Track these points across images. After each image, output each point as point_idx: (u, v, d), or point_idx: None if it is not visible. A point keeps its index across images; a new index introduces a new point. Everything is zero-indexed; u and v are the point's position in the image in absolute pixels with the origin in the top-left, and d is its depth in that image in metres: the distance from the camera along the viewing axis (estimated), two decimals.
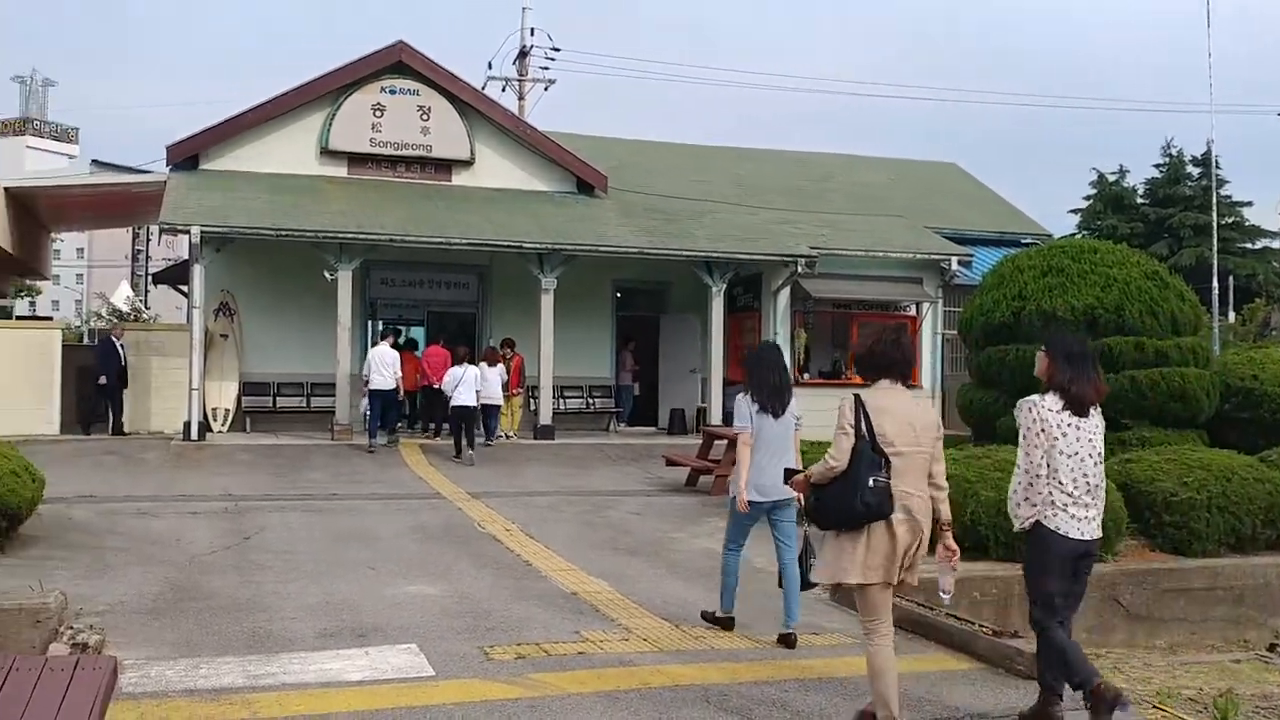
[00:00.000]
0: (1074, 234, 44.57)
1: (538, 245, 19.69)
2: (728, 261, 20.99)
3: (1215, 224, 30.39)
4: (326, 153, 21.41)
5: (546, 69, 34.08)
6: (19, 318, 34.44)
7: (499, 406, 19.30)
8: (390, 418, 18.63)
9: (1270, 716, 7.35)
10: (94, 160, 23.09)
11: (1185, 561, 10.72)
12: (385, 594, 8.66)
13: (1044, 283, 14.86)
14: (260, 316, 20.44)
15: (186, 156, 20.69)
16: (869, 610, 5.67)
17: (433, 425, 19.93)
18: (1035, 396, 6.02)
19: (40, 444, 16.23)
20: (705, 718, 6.01)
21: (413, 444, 18.70)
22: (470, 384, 17.58)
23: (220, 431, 19.34)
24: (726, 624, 7.80)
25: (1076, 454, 5.89)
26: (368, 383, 18.06)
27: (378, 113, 21.48)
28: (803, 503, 6.10)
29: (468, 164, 22.13)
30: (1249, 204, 47.05)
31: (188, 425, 18.21)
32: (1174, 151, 48.40)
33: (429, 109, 21.69)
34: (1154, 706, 6.88)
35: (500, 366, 19.16)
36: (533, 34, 33.89)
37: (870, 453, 5.56)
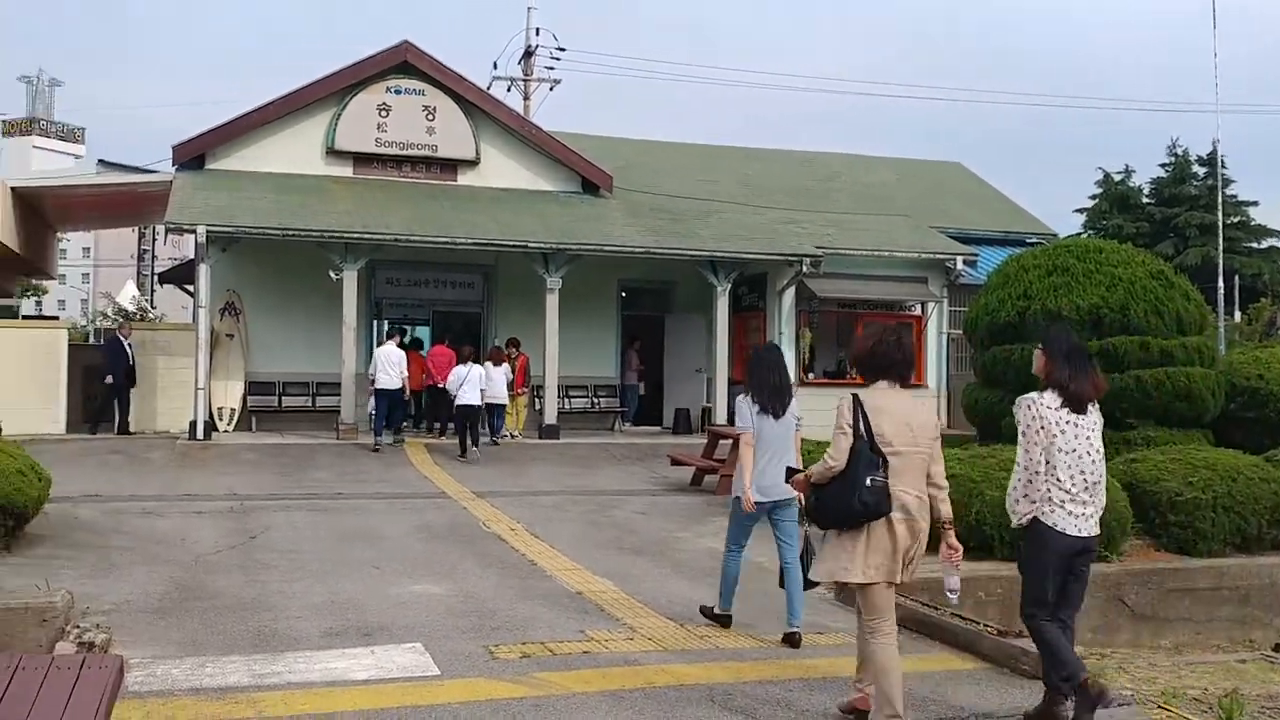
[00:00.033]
0: (1079, 233, 44.51)
1: (543, 245, 19.71)
2: (733, 261, 20.99)
3: (1221, 223, 30.27)
4: (332, 152, 21.45)
5: (552, 69, 34.10)
6: (25, 317, 34.49)
7: (504, 406, 19.35)
8: (396, 417, 18.66)
9: (1275, 717, 7.33)
10: (100, 160, 23.13)
11: (1190, 561, 10.71)
12: (390, 593, 8.67)
13: (1049, 282, 14.85)
14: (266, 316, 20.47)
15: (193, 156, 20.75)
16: (872, 609, 5.69)
17: (438, 425, 19.97)
18: (1034, 394, 6.03)
19: (46, 443, 16.26)
20: (710, 717, 6.01)
21: (418, 443, 18.72)
22: (474, 383, 17.61)
23: (226, 431, 19.37)
24: (724, 621, 7.84)
25: (1075, 451, 5.90)
26: (373, 382, 18.08)
27: (383, 113, 21.51)
28: (803, 502, 6.13)
29: (473, 164, 22.16)
30: (1255, 203, 46.97)
31: (193, 424, 18.24)
32: (1180, 151, 48.32)
33: (434, 109, 21.71)
34: (1159, 706, 6.87)
35: (505, 366, 19.20)
36: (538, 34, 33.93)
37: (868, 452, 5.59)
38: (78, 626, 6.90)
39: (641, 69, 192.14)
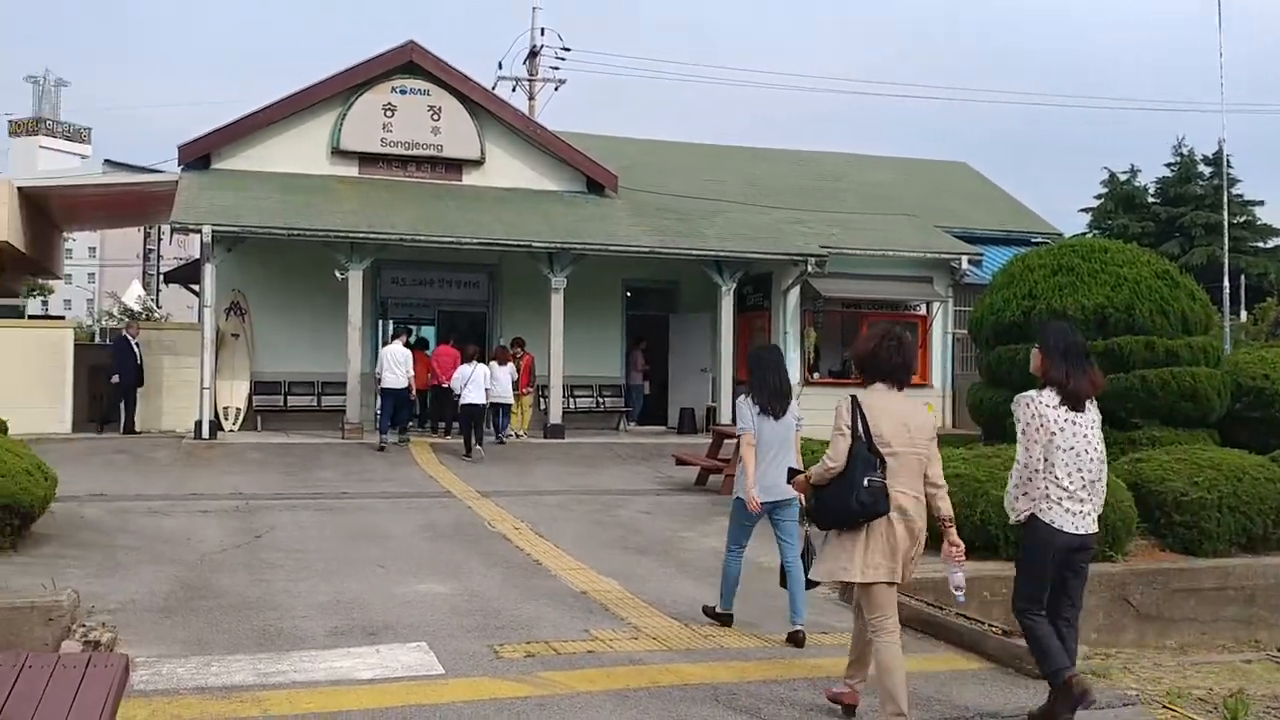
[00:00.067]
0: (1085, 233, 44.48)
1: (548, 245, 19.72)
2: (738, 261, 20.99)
3: (1226, 223, 30.28)
4: (337, 152, 21.47)
5: (557, 69, 34.15)
6: (32, 317, 34.55)
7: (509, 405, 19.36)
8: (401, 416, 18.67)
9: None
10: (106, 160, 23.14)
11: (1196, 561, 10.70)
12: (395, 592, 8.68)
13: (1054, 282, 14.84)
14: (271, 316, 20.50)
15: (198, 156, 20.77)
16: (874, 608, 5.72)
17: (442, 424, 19.99)
18: (1032, 392, 6.04)
19: (52, 442, 16.30)
20: (714, 716, 6.01)
21: (423, 442, 18.73)
22: (479, 382, 17.63)
23: (231, 430, 19.39)
24: (725, 620, 7.87)
25: (1073, 449, 5.91)
26: (380, 381, 18.11)
27: (388, 113, 21.52)
28: (804, 503, 6.16)
29: (478, 164, 22.16)
30: (1260, 203, 46.99)
31: (199, 424, 18.26)
32: (1185, 151, 48.29)
33: (439, 109, 21.73)
34: (1164, 706, 6.86)
35: (510, 365, 19.21)
36: (543, 34, 33.96)
37: (866, 453, 5.64)
38: (84, 625, 6.93)
39: (646, 69, 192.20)
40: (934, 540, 5.98)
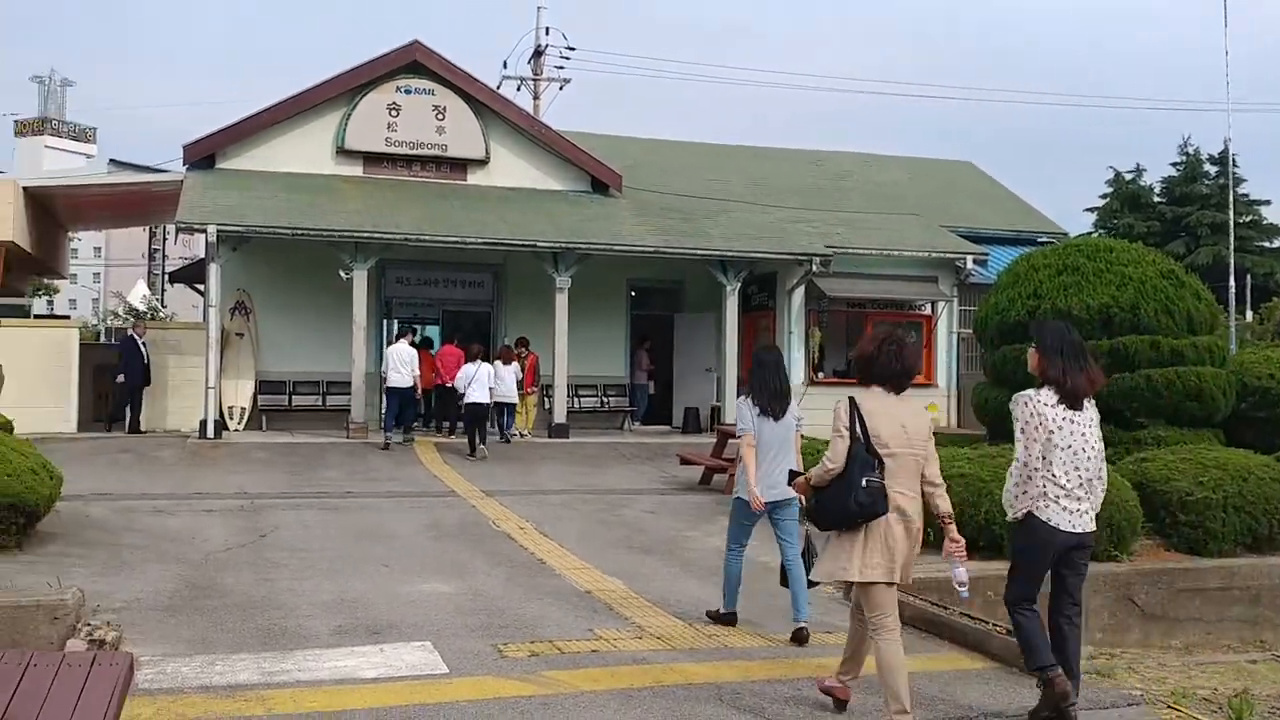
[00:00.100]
0: (1090, 233, 44.43)
1: (552, 244, 19.73)
2: (742, 260, 20.98)
3: (1232, 222, 30.23)
4: (342, 152, 21.49)
5: (561, 68, 34.13)
6: (37, 316, 34.60)
7: (514, 405, 19.36)
8: (407, 416, 18.69)
9: None
10: (111, 160, 23.17)
11: (1201, 561, 10.68)
12: (400, 591, 8.69)
13: (1059, 281, 14.81)
14: (276, 315, 20.52)
15: (203, 156, 20.80)
16: (874, 607, 5.75)
17: (447, 424, 20.00)
18: (1030, 391, 6.06)
19: (58, 442, 16.33)
20: (718, 715, 6.01)
21: (428, 442, 18.74)
22: (483, 381, 17.64)
23: (236, 430, 19.42)
24: (729, 620, 7.89)
25: (1071, 447, 5.92)
26: (385, 380, 18.12)
27: (393, 112, 21.54)
28: (804, 503, 6.20)
29: (483, 163, 22.17)
30: (1267, 202, 47.00)
31: (204, 423, 18.29)
32: (1191, 150, 48.22)
33: (444, 108, 21.74)
34: (1168, 706, 6.85)
35: (515, 365, 19.22)
36: (548, 33, 33.93)
37: (864, 454, 5.68)
38: (88, 624, 6.94)
39: (650, 68, 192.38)
40: (936, 539, 5.99)
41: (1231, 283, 27.11)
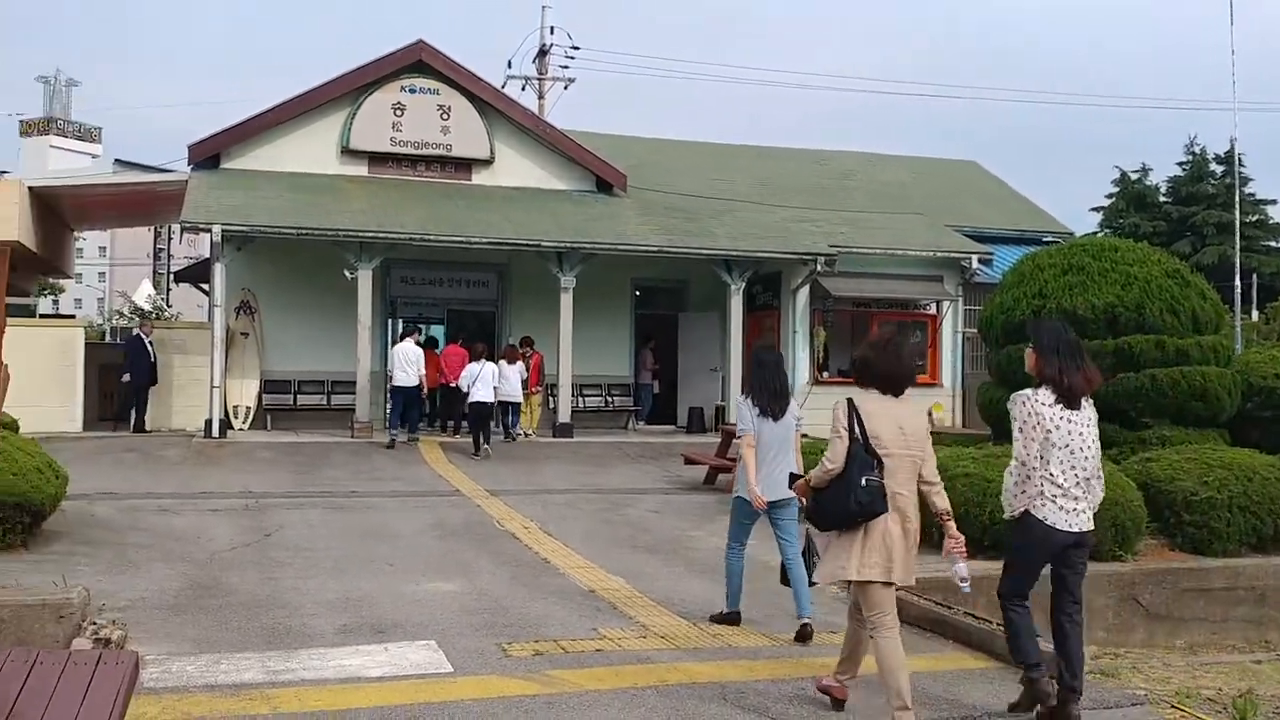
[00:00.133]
0: (1096, 232, 44.39)
1: (557, 244, 19.73)
2: (747, 260, 20.98)
3: (1238, 222, 30.17)
4: (347, 152, 21.51)
5: (566, 68, 34.13)
6: (43, 316, 34.66)
7: (519, 404, 19.39)
8: (412, 416, 18.70)
9: None
10: (117, 159, 23.20)
11: (1206, 561, 10.67)
12: (404, 591, 8.70)
13: (1064, 281, 14.79)
14: (281, 315, 20.54)
15: (208, 156, 20.84)
16: (872, 606, 5.78)
17: (451, 423, 20.02)
18: (1028, 390, 6.08)
19: (63, 441, 16.35)
20: (722, 715, 6.02)
21: (432, 441, 18.76)
22: (487, 380, 17.66)
23: (241, 429, 19.44)
24: (733, 619, 7.91)
25: (1068, 446, 5.93)
26: (391, 379, 18.13)
27: (398, 112, 21.56)
28: (803, 503, 6.23)
29: (487, 163, 22.19)
30: (1272, 202, 46.79)
31: (209, 423, 18.32)
32: (1197, 149, 48.15)
33: (449, 108, 21.76)
34: (1173, 706, 6.85)
35: (520, 364, 19.24)
36: (552, 32, 33.93)
37: (863, 454, 5.73)
38: (94, 623, 6.95)
39: (655, 67, 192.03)
40: (939, 538, 6.00)
41: (1237, 282, 27.03)
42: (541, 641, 7.28)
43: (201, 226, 18.34)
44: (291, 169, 20.96)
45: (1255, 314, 35.31)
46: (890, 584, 5.78)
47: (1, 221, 19.18)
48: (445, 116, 21.75)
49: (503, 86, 27.40)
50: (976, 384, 19.12)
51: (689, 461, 15.85)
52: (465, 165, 22.14)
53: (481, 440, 17.44)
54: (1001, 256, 23.38)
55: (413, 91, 21.60)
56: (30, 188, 21.53)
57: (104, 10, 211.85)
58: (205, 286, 22.91)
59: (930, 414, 6.56)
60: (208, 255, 19.92)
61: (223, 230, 18.00)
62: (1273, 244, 45.87)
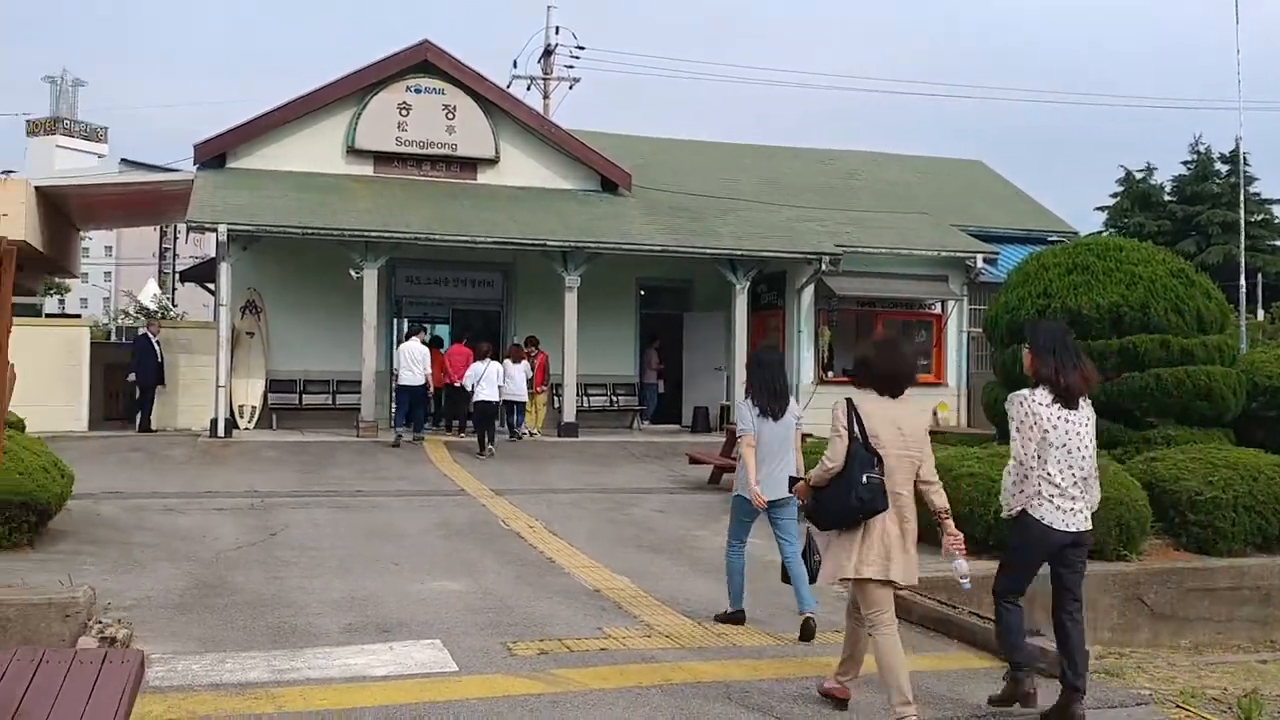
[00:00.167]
0: (1101, 232, 44.34)
1: (562, 243, 19.75)
2: (752, 259, 20.98)
3: (1243, 221, 30.13)
4: (353, 151, 21.54)
5: (571, 67, 34.13)
6: (48, 315, 34.72)
7: (524, 403, 19.40)
8: (418, 415, 18.71)
9: None
10: (123, 159, 23.28)
11: (1210, 561, 10.66)
12: (409, 590, 8.71)
13: (1069, 280, 14.77)
14: (286, 314, 20.57)
15: (213, 155, 20.88)
16: (869, 604, 5.80)
17: (456, 422, 20.03)
18: (1025, 390, 6.09)
19: (69, 440, 16.39)
20: (727, 714, 6.02)
21: (437, 440, 18.78)
22: (492, 380, 17.68)
23: (247, 428, 19.48)
24: (736, 618, 7.93)
25: (1065, 446, 5.94)
26: (397, 378, 18.15)
27: (403, 112, 21.59)
28: (803, 502, 6.26)
29: (492, 163, 22.21)
30: (1277, 201, 46.75)
31: (214, 422, 18.34)
32: (1202, 149, 48.09)
33: (454, 108, 21.78)
34: (1177, 706, 6.84)
35: (524, 364, 19.25)
36: (557, 32, 33.94)
37: (863, 452, 5.75)
38: (100, 622, 6.96)
39: (661, 67, 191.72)
40: (939, 537, 6.02)
41: (1242, 281, 27.02)
42: (546, 641, 7.29)
43: (207, 226, 18.37)
44: (297, 168, 20.99)
45: (1260, 313, 35.26)
46: (888, 583, 5.78)
47: (8, 221, 19.30)
48: (450, 116, 21.77)
49: (508, 86, 27.45)
50: (982, 384, 19.10)
51: (694, 461, 15.86)
52: (470, 165, 22.17)
53: (486, 440, 17.45)
54: (1007, 256, 23.36)
55: (418, 91, 21.63)
56: (36, 187, 21.60)
57: (104, 10, 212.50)
58: (211, 286, 23.00)
59: (935, 413, 6.58)
60: (213, 255, 19.96)
61: (228, 230, 18.03)
62: (1278, 243, 45.80)
